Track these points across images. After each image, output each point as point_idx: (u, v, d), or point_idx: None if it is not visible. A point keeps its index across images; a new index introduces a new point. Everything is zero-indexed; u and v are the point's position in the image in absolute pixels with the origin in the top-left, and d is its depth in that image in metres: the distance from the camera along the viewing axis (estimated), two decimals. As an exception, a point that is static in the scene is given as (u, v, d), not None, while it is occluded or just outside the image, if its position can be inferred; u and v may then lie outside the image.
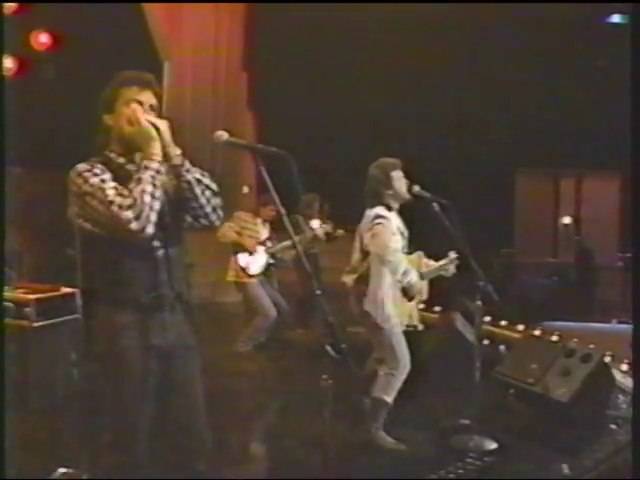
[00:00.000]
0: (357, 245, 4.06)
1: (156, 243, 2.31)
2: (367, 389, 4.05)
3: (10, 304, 4.35)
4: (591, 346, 4.97)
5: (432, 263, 4.24)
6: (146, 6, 7.82)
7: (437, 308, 7.01)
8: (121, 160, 2.32)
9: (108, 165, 2.28)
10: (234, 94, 9.03)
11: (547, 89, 8.71)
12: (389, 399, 3.98)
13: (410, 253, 4.12)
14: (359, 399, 4.13)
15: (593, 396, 4.35)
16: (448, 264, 4.18)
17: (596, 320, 7.21)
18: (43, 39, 7.71)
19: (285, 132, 8.80)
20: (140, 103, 2.30)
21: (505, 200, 9.37)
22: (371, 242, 3.91)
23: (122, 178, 2.25)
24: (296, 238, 2.47)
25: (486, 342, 6.31)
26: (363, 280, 3.96)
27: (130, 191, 2.18)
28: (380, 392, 3.97)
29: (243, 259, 6.02)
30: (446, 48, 8.59)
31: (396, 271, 3.84)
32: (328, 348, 2.18)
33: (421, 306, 6.58)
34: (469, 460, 3.78)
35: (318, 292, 2.28)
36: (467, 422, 4.17)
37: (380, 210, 3.95)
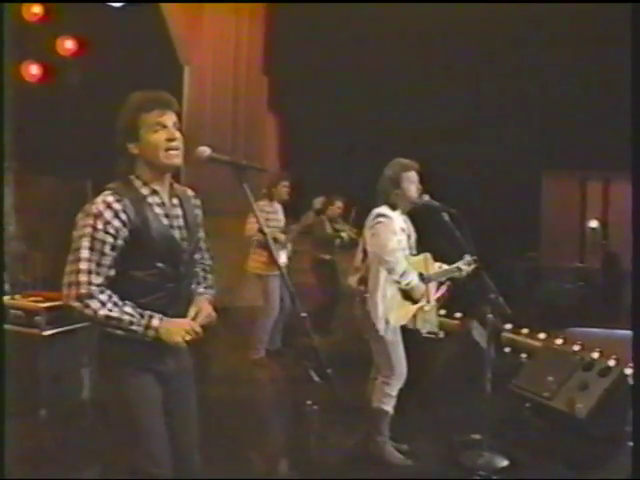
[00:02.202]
0: (361, 245, 4.01)
1: (168, 284, 2.35)
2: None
3: (19, 312, 4.38)
4: (614, 356, 4.83)
5: (445, 267, 4.12)
6: (166, 11, 7.84)
7: (458, 314, 6.91)
8: (144, 191, 2.32)
9: (129, 193, 2.29)
10: (255, 98, 8.99)
11: (575, 89, 8.50)
12: (388, 408, 3.90)
13: (417, 255, 4.02)
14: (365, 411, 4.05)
15: (611, 412, 4.20)
16: (461, 267, 4.05)
17: (623, 327, 7.01)
18: (69, 45, 7.80)
19: (307, 136, 8.77)
20: (164, 126, 2.28)
21: (531, 203, 9.20)
22: (370, 241, 3.85)
23: (138, 210, 2.27)
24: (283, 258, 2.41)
25: (507, 350, 6.20)
26: (365, 281, 3.90)
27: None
28: (378, 402, 3.90)
29: (277, 251, 5.90)
30: (470, 48, 8.45)
31: (393, 271, 3.73)
32: (311, 372, 2.12)
33: (442, 312, 6.57)
34: (477, 478, 3.69)
35: (303, 315, 2.22)
36: (478, 437, 4.06)
37: (382, 209, 3.88)
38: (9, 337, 4.06)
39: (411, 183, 3.94)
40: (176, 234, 2.37)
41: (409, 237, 3.97)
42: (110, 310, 2.21)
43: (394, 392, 3.90)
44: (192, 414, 2.52)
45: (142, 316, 2.25)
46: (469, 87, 8.62)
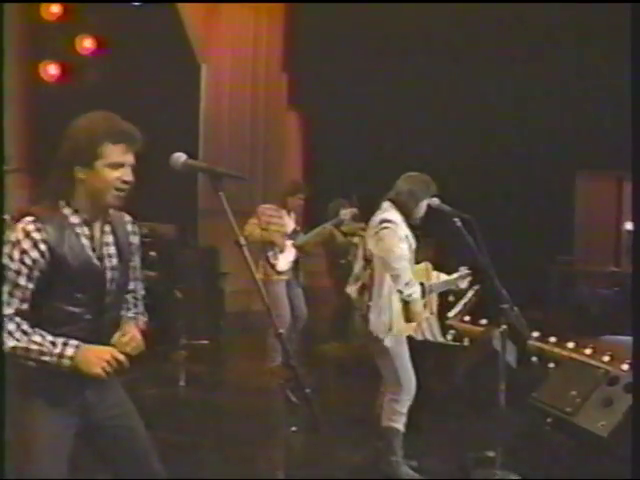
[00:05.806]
0: (360, 252, 3.87)
1: (88, 315, 2.17)
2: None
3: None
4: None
5: (443, 276, 4.00)
6: (183, 9, 7.76)
7: (483, 321, 6.66)
8: (73, 219, 2.15)
9: (53, 220, 2.11)
10: (274, 96, 8.85)
11: (609, 86, 8.16)
12: (398, 426, 3.73)
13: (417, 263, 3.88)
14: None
15: (637, 430, 3.93)
16: (458, 279, 3.94)
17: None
18: (87, 44, 7.80)
19: (327, 133, 8.63)
20: (122, 165, 2.12)
21: (565, 204, 8.86)
22: (376, 246, 3.67)
23: (61, 240, 2.09)
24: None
25: (534, 359, 5.94)
26: (366, 291, 3.74)
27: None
28: (387, 420, 3.74)
29: (272, 256, 5.78)
30: (501, 47, 8.19)
31: (398, 278, 3.56)
32: (289, 393, 1.97)
33: (466, 318, 6.35)
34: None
35: (281, 331, 2.09)
36: (492, 454, 3.83)
37: (389, 214, 3.72)
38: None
39: (426, 204, 3.83)
40: (106, 264, 2.21)
41: (410, 246, 3.79)
42: (18, 340, 2.04)
43: (404, 409, 3.74)
44: (136, 436, 2.34)
45: (54, 345, 2.05)
46: (501, 86, 8.37)
